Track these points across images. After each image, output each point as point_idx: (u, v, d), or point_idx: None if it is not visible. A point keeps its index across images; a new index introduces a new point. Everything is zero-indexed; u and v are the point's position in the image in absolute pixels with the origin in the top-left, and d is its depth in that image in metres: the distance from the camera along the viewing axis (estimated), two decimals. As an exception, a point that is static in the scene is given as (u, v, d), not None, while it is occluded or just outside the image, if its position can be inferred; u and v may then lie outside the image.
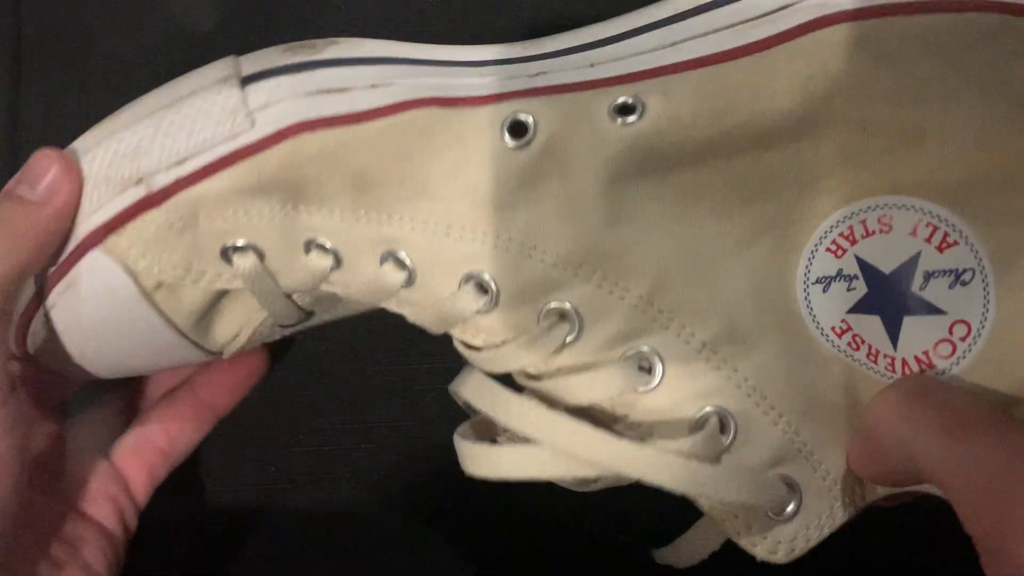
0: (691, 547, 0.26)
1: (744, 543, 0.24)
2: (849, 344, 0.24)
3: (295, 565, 0.35)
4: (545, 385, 0.24)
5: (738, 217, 0.24)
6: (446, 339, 0.27)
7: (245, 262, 0.25)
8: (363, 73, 0.25)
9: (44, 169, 0.25)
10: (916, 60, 0.21)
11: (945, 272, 0.23)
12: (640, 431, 0.24)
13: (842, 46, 0.22)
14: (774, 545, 0.24)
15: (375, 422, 0.34)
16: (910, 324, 0.23)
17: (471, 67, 0.26)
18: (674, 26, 0.24)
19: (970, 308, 0.23)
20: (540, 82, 0.24)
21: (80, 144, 0.26)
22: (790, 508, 0.24)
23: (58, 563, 0.28)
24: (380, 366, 0.34)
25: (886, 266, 0.23)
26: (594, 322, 0.24)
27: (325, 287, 0.26)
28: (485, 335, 0.25)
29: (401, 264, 0.25)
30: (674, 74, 0.23)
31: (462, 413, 0.34)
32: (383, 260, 0.25)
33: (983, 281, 0.23)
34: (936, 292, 0.23)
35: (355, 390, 0.34)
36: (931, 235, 0.23)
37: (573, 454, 0.23)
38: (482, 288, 0.25)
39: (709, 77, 0.23)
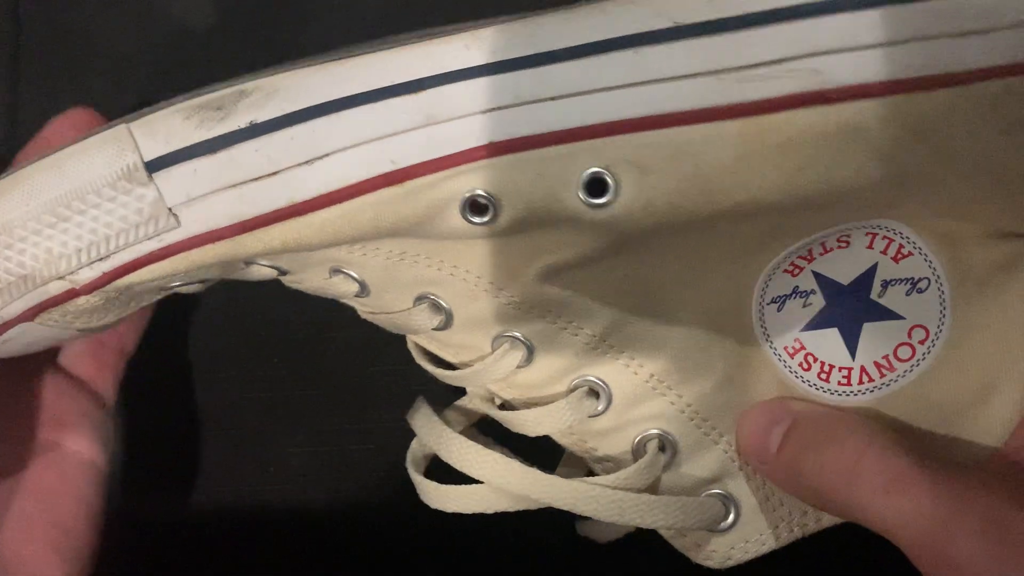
0: (611, 524, 0.26)
1: (678, 546, 0.25)
2: (800, 364, 0.24)
3: (295, 565, 0.35)
4: (505, 416, 0.25)
5: (698, 257, 0.23)
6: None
7: (188, 288, 0.25)
8: (290, 140, 0.21)
9: None
10: (906, 150, 0.20)
11: (902, 280, 0.23)
12: (586, 448, 0.25)
13: (833, 136, 0.19)
14: (709, 553, 0.25)
15: (375, 422, 0.34)
16: (869, 330, 0.23)
17: (413, 94, 0.21)
18: (648, 50, 0.20)
19: (927, 314, 0.23)
20: (497, 132, 0.21)
21: None
22: (724, 524, 0.25)
23: (28, 518, 0.27)
24: (380, 366, 0.34)
25: (844, 278, 0.24)
26: (545, 353, 0.24)
27: (284, 282, 0.26)
28: (448, 350, 0.26)
29: (352, 278, 0.25)
30: (648, 131, 0.20)
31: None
32: (332, 274, 0.25)
33: (939, 289, 0.23)
34: (894, 299, 0.23)
35: (355, 390, 0.34)
36: (887, 247, 0.23)
37: (508, 491, 0.24)
38: (437, 308, 0.25)
39: (688, 150, 0.20)
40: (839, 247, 0.23)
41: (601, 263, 0.23)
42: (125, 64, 0.34)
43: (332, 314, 0.34)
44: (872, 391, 0.24)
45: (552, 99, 0.20)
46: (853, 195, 0.21)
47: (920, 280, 0.23)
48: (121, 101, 0.35)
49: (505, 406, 0.26)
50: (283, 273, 0.25)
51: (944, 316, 0.23)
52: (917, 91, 0.19)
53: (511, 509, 0.25)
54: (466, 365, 0.26)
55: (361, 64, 0.21)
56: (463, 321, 0.25)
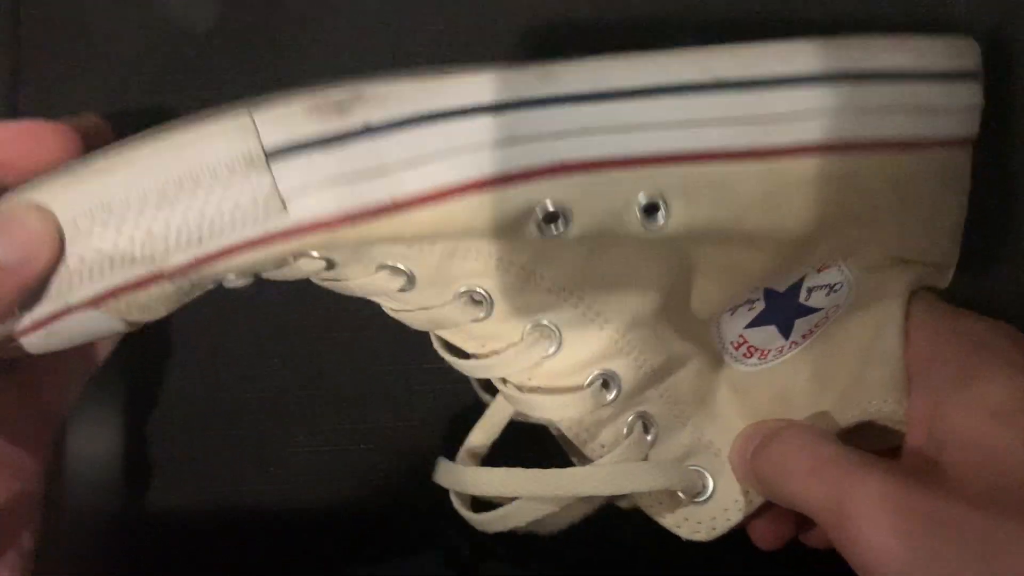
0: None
1: (667, 524, 0.29)
2: (744, 354, 0.29)
3: (295, 565, 0.35)
4: (527, 399, 0.27)
5: (706, 286, 0.28)
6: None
7: (239, 281, 0.25)
8: (397, 145, 0.23)
9: (23, 229, 0.22)
10: (881, 193, 0.26)
11: (823, 286, 0.28)
12: (586, 435, 0.28)
13: (838, 179, 0.25)
14: (696, 525, 0.29)
15: (374, 422, 0.34)
16: (799, 322, 0.29)
17: (493, 113, 0.24)
18: (692, 100, 0.24)
19: (839, 302, 0.29)
20: (564, 153, 0.24)
21: (61, 199, 0.23)
22: (706, 493, 0.29)
23: None
24: (380, 366, 0.34)
25: (781, 287, 0.29)
26: (572, 344, 0.27)
27: (314, 280, 0.26)
28: (474, 342, 0.27)
29: (400, 272, 0.26)
30: (694, 164, 0.25)
31: (461, 414, 0.34)
32: (378, 269, 0.26)
33: (848, 287, 0.28)
34: (816, 298, 0.29)
35: (355, 390, 0.34)
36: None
37: (538, 496, 0.27)
38: (476, 300, 0.26)
39: (726, 183, 0.25)
40: None
41: (641, 267, 0.26)
42: (125, 65, 0.34)
43: (332, 315, 0.34)
44: (797, 351, 0.29)
45: (617, 131, 0.24)
46: (845, 231, 0.26)
47: (836, 284, 0.28)
48: (122, 101, 0.35)
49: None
50: (331, 267, 0.25)
51: (849, 299, 0.28)
52: (897, 153, 0.25)
53: (545, 513, 0.27)
54: (493, 354, 0.27)
55: (459, 82, 0.24)
56: (502, 312, 0.26)
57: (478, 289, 0.26)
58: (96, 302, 0.24)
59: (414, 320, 0.27)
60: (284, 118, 0.23)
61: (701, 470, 0.29)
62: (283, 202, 0.23)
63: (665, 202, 0.25)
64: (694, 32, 0.34)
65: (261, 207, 0.23)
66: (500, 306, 0.26)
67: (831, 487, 0.23)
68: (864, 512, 0.22)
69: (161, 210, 0.23)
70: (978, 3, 0.33)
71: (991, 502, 0.22)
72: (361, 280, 0.26)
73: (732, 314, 0.29)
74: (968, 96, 0.26)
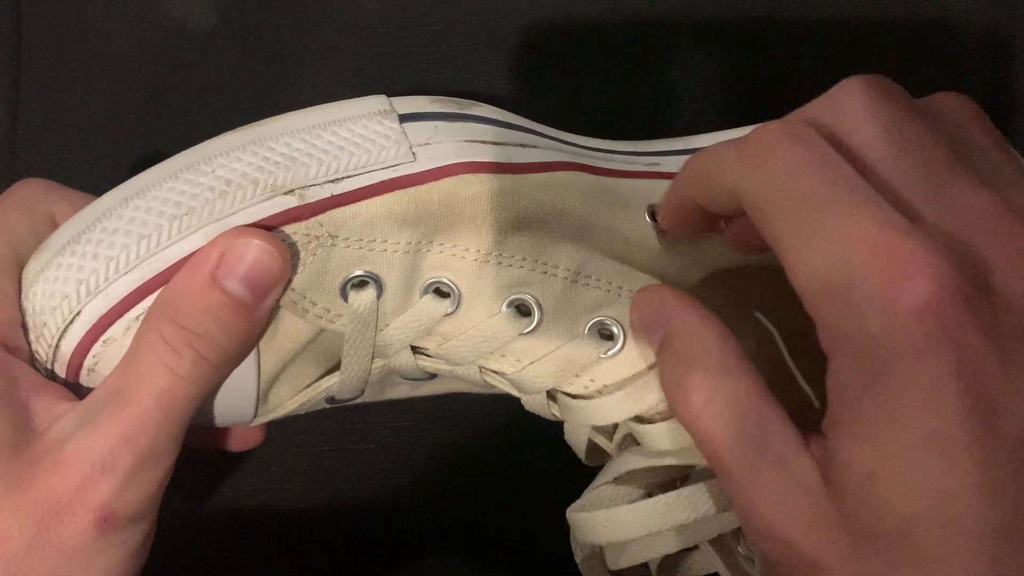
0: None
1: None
2: None
3: (295, 565, 0.35)
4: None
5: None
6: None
7: (362, 299, 0.25)
8: (510, 134, 0.27)
9: (258, 266, 0.23)
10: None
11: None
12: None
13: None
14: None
15: (375, 422, 0.34)
16: None
17: (594, 151, 0.28)
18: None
19: None
20: (656, 170, 0.28)
21: (220, 144, 0.25)
22: None
23: None
24: (380, 366, 0.34)
25: None
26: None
27: (423, 343, 0.26)
28: (601, 380, 0.26)
29: (526, 310, 0.25)
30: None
31: (461, 413, 0.34)
32: (507, 305, 0.25)
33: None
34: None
35: (355, 390, 0.34)
36: None
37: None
38: (607, 335, 0.26)
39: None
40: None
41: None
42: (126, 64, 0.34)
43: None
44: None
45: None
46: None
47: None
48: (122, 101, 0.35)
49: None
50: (456, 306, 0.25)
51: None
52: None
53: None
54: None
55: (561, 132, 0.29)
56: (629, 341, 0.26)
57: (608, 324, 0.26)
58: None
59: (549, 374, 0.26)
60: (413, 100, 0.27)
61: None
62: (412, 151, 0.25)
63: None
64: (693, 32, 0.34)
65: (393, 147, 0.25)
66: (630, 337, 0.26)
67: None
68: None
69: (301, 141, 0.25)
70: (978, 3, 0.34)
71: None
72: (487, 323, 0.25)
73: None
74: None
